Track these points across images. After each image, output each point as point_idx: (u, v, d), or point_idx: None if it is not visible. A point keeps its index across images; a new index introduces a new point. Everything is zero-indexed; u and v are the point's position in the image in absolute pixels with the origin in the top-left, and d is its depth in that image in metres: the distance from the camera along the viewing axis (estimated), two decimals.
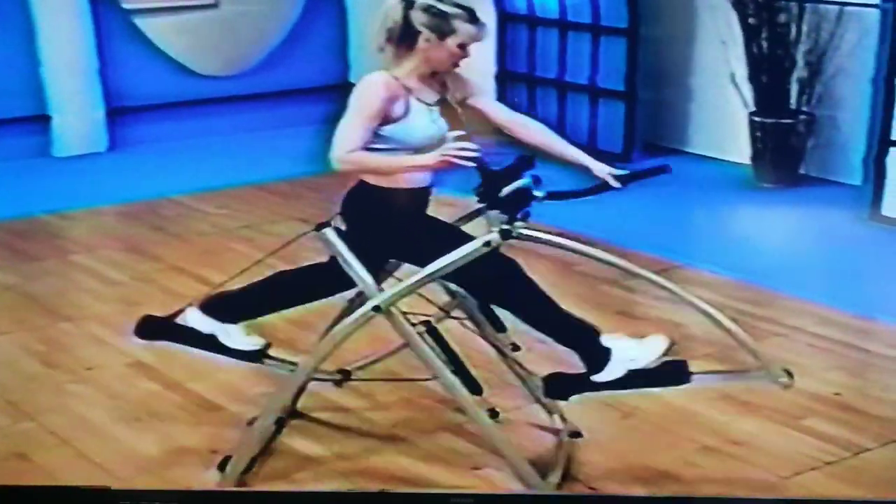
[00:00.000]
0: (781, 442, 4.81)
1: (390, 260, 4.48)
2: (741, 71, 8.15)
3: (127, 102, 9.08)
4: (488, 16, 9.12)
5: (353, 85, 10.23)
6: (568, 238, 4.22)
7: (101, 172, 8.69)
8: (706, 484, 4.52)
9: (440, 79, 4.35)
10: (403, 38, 4.24)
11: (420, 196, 4.38)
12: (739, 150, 8.20)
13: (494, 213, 4.19)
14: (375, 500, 4.27)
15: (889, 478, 4.56)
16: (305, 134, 9.48)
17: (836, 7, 7.86)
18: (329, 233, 4.34)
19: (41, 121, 8.88)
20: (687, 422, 4.93)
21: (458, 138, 4.08)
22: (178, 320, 4.59)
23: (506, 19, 9.34)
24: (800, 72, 8.01)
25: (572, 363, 4.27)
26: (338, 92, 9.92)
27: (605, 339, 4.22)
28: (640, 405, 5.01)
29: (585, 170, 4.43)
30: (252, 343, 4.57)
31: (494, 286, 4.27)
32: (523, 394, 4.81)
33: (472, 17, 4.25)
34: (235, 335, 4.54)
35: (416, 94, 4.26)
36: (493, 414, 4.48)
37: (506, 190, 4.36)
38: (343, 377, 4.88)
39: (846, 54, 7.90)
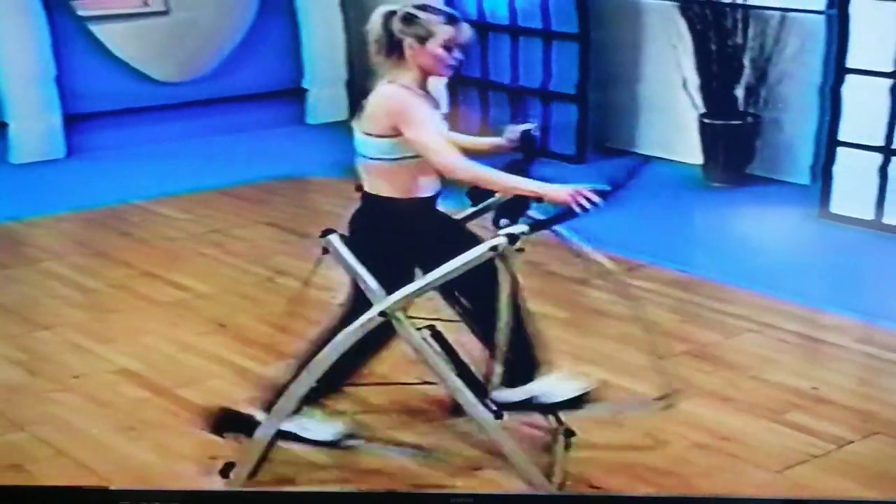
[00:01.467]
0: (769, 437, 4.79)
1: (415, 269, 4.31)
2: (691, 75, 8.12)
3: (84, 109, 8.85)
4: None
5: (305, 90, 10.09)
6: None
7: (61, 179, 8.47)
8: (703, 480, 4.47)
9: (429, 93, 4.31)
10: (391, 48, 4.20)
11: (427, 204, 4.32)
12: (690, 150, 8.16)
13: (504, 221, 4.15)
14: (376, 500, 4.23)
15: (877, 470, 4.55)
16: (261, 138, 9.48)
17: (779, 13, 7.86)
18: (334, 239, 4.25)
19: None
20: (675, 419, 4.82)
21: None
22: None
23: None
24: (747, 75, 8.00)
25: None
26: (291, 97, 9.91)
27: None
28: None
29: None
30: (331, 430, 4.43)
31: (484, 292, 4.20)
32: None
33: (449, 18, 4.21)
34: (311, 425, 4.38)
35: (424, 100, 4.22)
36: (497, 415, 4.37)
37: (497, 193, 4.37)
38: None
39: (790, 59, 7.92)
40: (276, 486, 4.38)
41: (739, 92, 8.04)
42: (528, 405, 4.31)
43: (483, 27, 9.02)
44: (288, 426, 4.34)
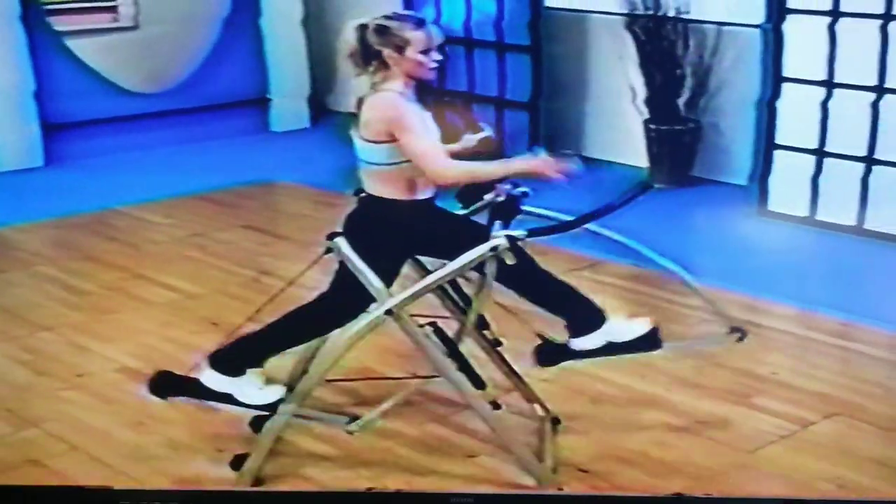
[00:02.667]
0: (739, 419, 4.84)
1: (404, 262, 4.34)
2: (636, 84, 8.17)
3: (61, 119, 8.73)
4: None
5: (270, 100, 9.99)
6: None
7: (42, 187, 8.34)
8: (683, 462, 4.50)
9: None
10: (370, 59, 4.16)
11: (426, 206, 4.28)
12: (635, 154, 8.21)
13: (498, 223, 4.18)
14: (376, 500, 4.17)
15: (840, 447, 4.61)
16: (229, 146, 9.41)
17: (716, 27, 7.93)
18: (340, 242, 4.19)
19: None
20: (650, 404, 4.95)
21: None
22: (195, 374, 4.28)
23: None
24: (688, 84, 8.06)
25: None
26: (256, 106, 9.85)
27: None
28: (605, 391, 5.03)
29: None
30: (271, 394, 4.27)
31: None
32: (505, 384, 4.71)
33: (417, 23, 4.18)
34: (250, 389, 4.24)
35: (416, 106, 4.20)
36: (496, 406, 4.40)
37: (487, 196, 4.38)
38: None
39: (728, 68, 8.00)
40: (287, 479, 4.35)
41: (681, 99, 8.10)
42: (608, 349, 4.27)
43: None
44: (227, 389, 4.22)
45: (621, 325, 4.32)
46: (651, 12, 7.98)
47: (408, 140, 4.04)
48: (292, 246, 7.10)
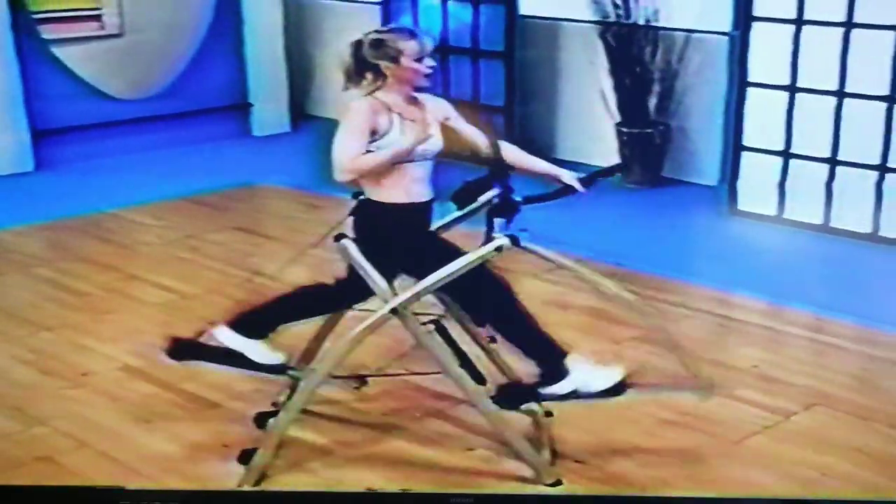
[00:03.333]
0: (723, 411, 4.84)
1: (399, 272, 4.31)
2: (607, 88, 8.19)
3: (50, 125, 8.64)
4: None
5: (251, 105, 9.98)
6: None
7: (33, 190, 8.25)
8: (673, 452, 4.53)
9: (420, 102, 4.26)
10: (365, 72, 4.19)
11: (421, 210, 4.27)
12: (607, 156, 8.20)
13: (499, 220, 4.15)
14: (376, 499, 4.14)
15: (822, 436, 4.66)
16: (213, 149, 9.35)
17: (683, 34, 7.96)
18: (347, 243, 4.18)
19: None
20: (642, 399, 4.77)
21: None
22: (204, 339, 4.35)
23: None
24: (657, 89, 8.09)
25: None
26: (238, 111, 9.79)
27: (570, 360, 4.20)
28: None
29: (553, 179, 4.45)
30: (276, 358, 4.37)
31: (482, 301, 4.23)
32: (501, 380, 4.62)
33: (410, 34, 4.21)
34: (262, 351, 4.33)
35: (398, 111, 4.17)
36: (498, 403, 4.37)
37: (482, 197, 4.36)
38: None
39: (695, 73, 8.04)
40: (293, 473, 4.33)
41: (651, 103, 8.13)
42: (573, 395, 4.19)
43: None
44: (241, 347, 4.30)
45: (589, 375, 4.21)
46: (621, 20, 8.00)
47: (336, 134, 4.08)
48: (282, 246, 7.06)
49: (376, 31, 4.23)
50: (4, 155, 8.47)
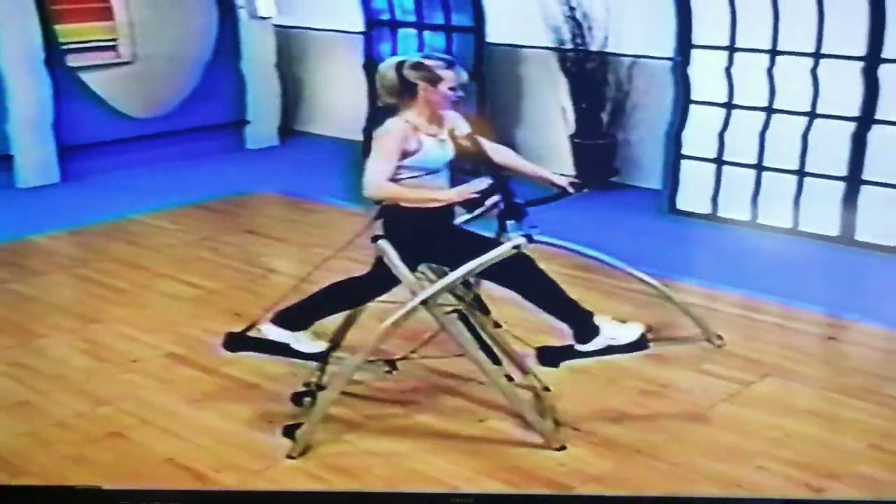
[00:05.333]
0: (694, 382, 4.98)
1: (422, 263, 4.39)
2: (565, 105, 8.31)
3: (74, 141, 8.59)
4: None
5: (248, 122, 9.91)
6: None
7: (61, 200, 8.18)
8: (655, 417, 4.65)
9: (439, 117, 4.32)
10: (405, 90, 4.23)
11: (444, 212, 4.33)
12: (563, 163, 8.31)
13: (512, 223, 4.24)
14: (376, 499, 4.06)
15: (778, 402, 4.81)
16: (215, 161, 9.35)
17: (630, 59, 8.09)
18: (383, 243, 4.24)
19: (5, 160, 8.38)
20: (622, 372, 5.01)
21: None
22: (254, 333, 4.42)
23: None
24: (609, 106, 8.21)
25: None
26: (235, 127, 9.80)
27: (596, 319, 4.31)
28: (583, 363, 4.78)
29: (549, 183, 4.56)
30: (318, 346, 4.44)
31: (517, 278, 4.27)
32: (505, 361, 4.69)
33: (450, 64, 4.28)
34: (304, 341, 4.39)
35: (424, 131, 4.24)
36: (509, 378, 4.49)
37: (488, 202, 4.42)
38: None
39: (642, 93, 8.14)
40: (332, 444, 4.38)
41: (603, 118, 8.26)
42: (607, 350, 4.32)
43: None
44: (285, 339, 4.37)
45: (616, 331, 4.36)
46: (578, 47, 8.11)
47: (371, 154, 4.14)
48: (290, 247, 7.12)
49: (422, 56, 4.29)
50: (35, 169, 8.41)
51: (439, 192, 4.23)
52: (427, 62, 4.23)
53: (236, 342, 4.44)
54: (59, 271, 6.58)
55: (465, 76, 4.33)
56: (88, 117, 8.68)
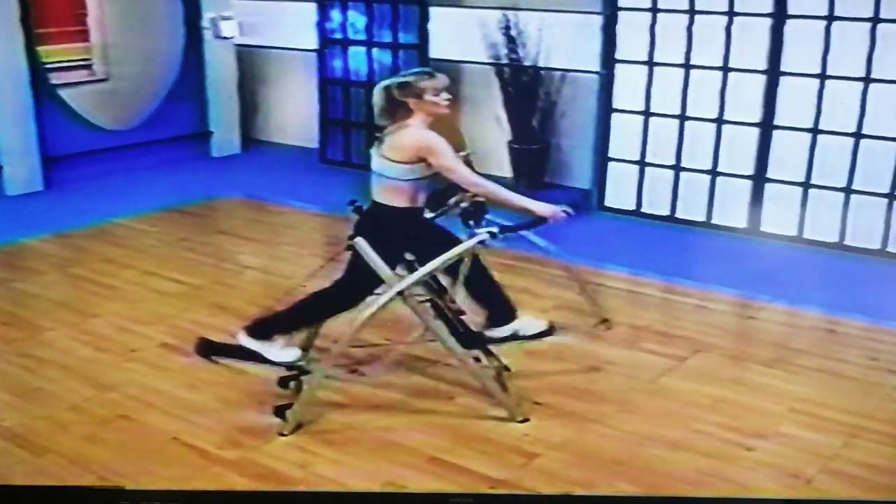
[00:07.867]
0: (636, 359, 5.10)
1: (399, 260, 4.46)
2: (502, 114, 8.42)
3: (56, 152, 8.47)
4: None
5: (212, 132, 9.78)
6: None
7: (46, 207, 8.03)
8: (604, 392, 4.74)
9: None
10: (397, 107, 4.28)
11: (420, 210, 4.42)
12: (500, 166, 8.41)
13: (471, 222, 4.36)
14: (376, 499, 4.01)
15: (709, 374, 4.95)
16: (183, 169, 9.29)
17: (560, 72, 8.22)
18: (360, 241, 4.27)
19: None
20: (569, 352, 5.11)
21: None
22: (230, 340, 4.50)
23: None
24: (540, 114, 8.34)
25: None
26: (200, 138, 9.75)
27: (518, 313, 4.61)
28: (536, 346, 5.00)
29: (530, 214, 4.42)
30: (289, 355, 4.49)
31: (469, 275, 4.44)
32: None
33: (430, 74, 4.35)
34: (275, 350, 4.45)
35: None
36: (477, 360, 4.58)
37: (451, 201, 4.51)
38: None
39: (571, 102, 8.25)
40: (320, 422, 4.43)
41: (535, 125, 8.38)
42: (512, 338, 4.53)
43: (345, 83, 9.17)
44: (255, 348, 4.43)
45: (526, 324, 4.67)
46: (513, 62, 8.22)
47: (443, 161, 4.19)
48: (260, 245, 7.12)
49: (402, 75, 4.33)
50: (21, 178, 8.29)
51: (530, 202, 4.30)
52: (408, 79, 4.29)
53: (208, 348, 4.52)
54: (55, 271, 6.49)
55: (446, 80, 4.37)
56: (68, 130, 8.55)
